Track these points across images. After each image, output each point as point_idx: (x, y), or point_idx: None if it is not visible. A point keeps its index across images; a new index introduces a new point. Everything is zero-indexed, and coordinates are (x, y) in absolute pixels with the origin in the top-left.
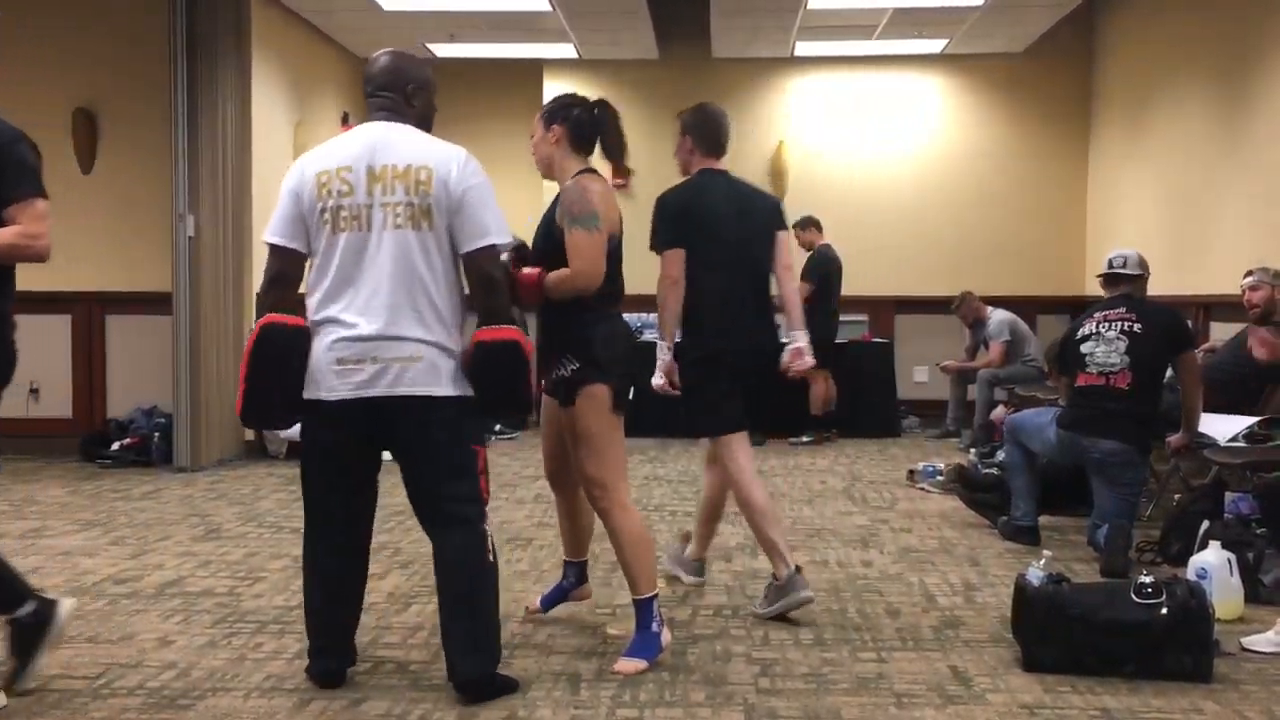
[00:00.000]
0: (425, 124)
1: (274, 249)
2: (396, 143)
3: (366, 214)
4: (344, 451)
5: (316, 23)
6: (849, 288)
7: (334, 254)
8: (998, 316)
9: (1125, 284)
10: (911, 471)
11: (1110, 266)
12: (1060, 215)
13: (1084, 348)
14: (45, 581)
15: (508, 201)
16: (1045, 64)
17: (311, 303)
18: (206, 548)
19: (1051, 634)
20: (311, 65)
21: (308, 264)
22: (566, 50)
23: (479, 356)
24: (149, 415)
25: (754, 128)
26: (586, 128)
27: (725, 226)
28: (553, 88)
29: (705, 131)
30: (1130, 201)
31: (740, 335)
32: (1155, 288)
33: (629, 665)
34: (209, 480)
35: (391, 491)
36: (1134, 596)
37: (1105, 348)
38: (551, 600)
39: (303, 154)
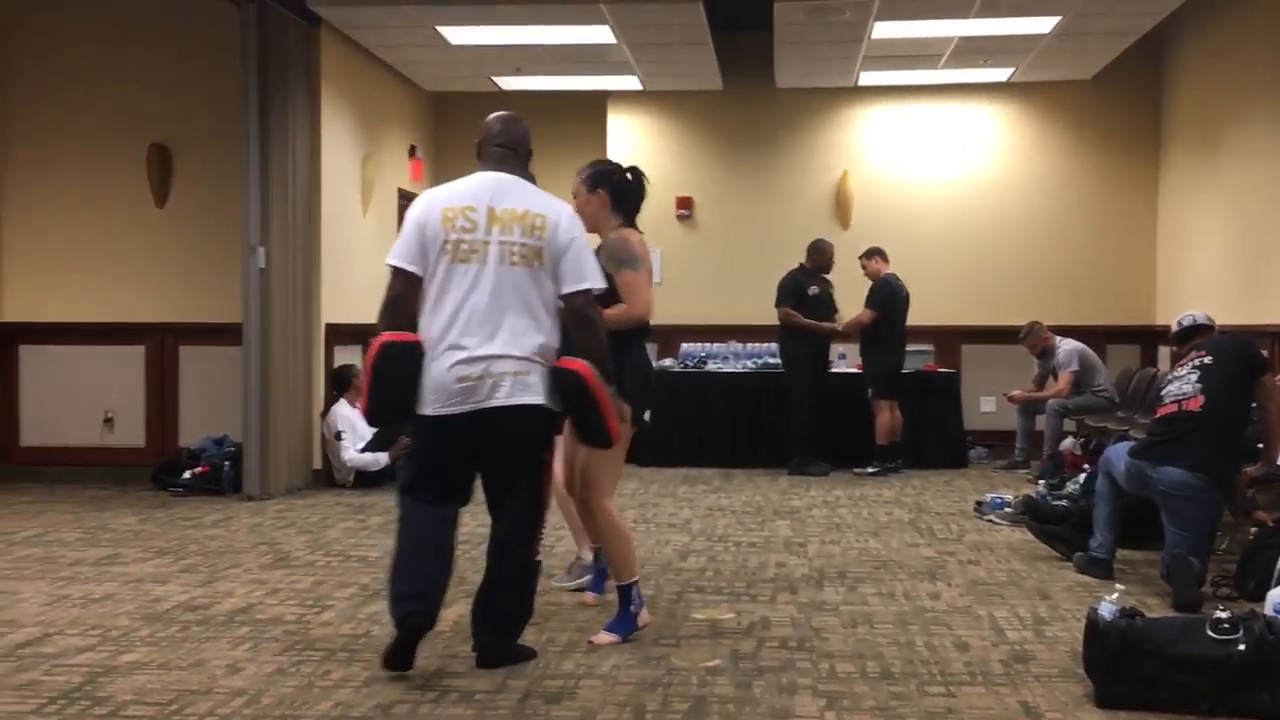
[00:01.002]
0: (529, 173)
1: (397, 271)
2: (515, 190)
3: (484, 249)
4: (452, 459)
5: (385, 58)
6: (914, 317)
7: (452, 282)
8: (1066, 346)
9: (1197, 336)
10: (979, 503)
11: (1179, 325)
12: (1130, 244)
13: (1163, 391)
14: (117, 608)
15: None
16: (1114, 91)
17: (430, 323)
18: (275, 575)
19: (1125, 669)
20: (380, 100)
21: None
22: (630, 82)
23: (555, 381)
24: (219, 444)
25: (818, 157)
26: (626, 192)
27: None
28: (617, 120)
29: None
30: (1201, 229)
31: None
32: (1227, 318)
33: (604, 638)
34: (278, 509)
35: (462, 524)
36: (1210, 632)
37: (1179, 383)
38: (600, 583)
39: (431, 189)
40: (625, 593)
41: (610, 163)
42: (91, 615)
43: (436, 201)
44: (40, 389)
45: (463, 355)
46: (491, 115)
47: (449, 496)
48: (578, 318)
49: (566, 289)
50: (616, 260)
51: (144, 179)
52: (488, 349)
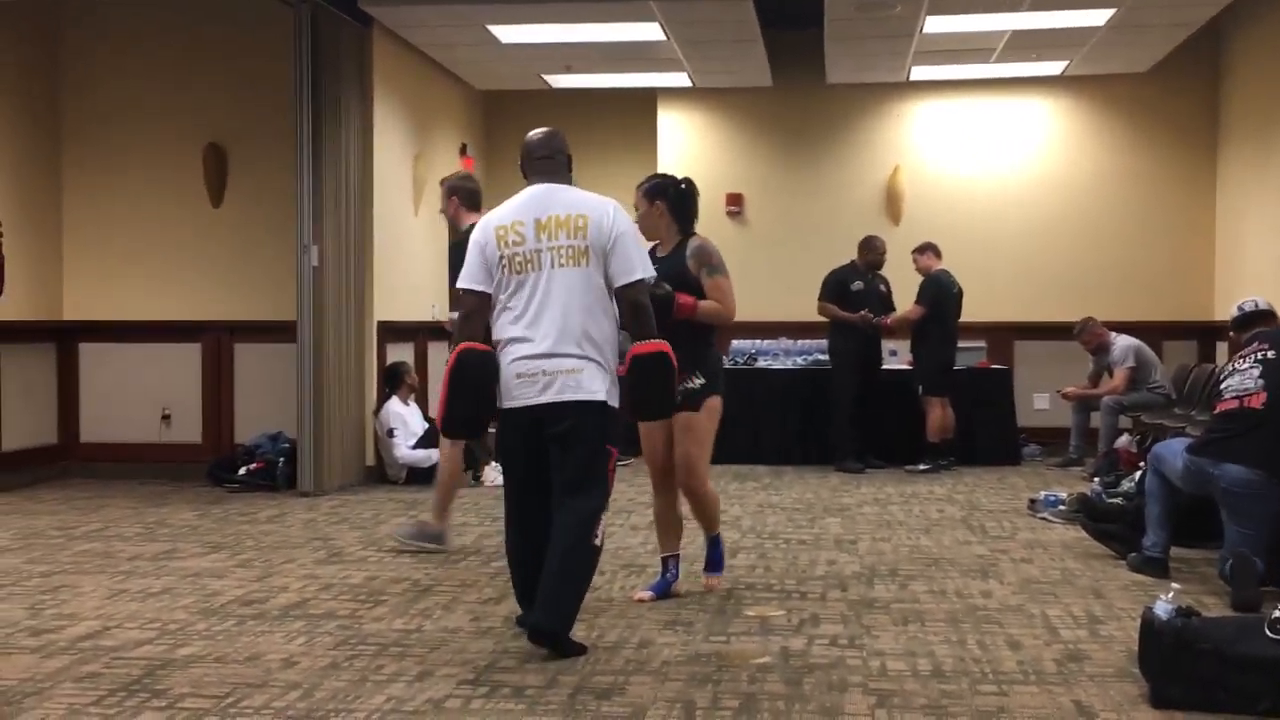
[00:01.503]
0: (569, 177)
1: (466, 293)
2: (558, 196)
3: (537, 257)
4: (524, 448)
5: (437, 57)
6: (967, 314)
7: (513, 291)
8: (1122, 342)
9: (1258, 323)
10: (1032, 500)
11: (1240, 310)
12: (1187, 239)
13: (1222, 385)
14: (175, 602)
15: None
16: (1170, 84)
17: (499, 330)
18: (329, 570)
19: (1180, 669)
20: (431, 99)
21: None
22: (680, 79)
23: (636, 366)
24: (274, 441)
25: (869, 153)
26: (683, 201)
27: None
28: (667, 117)
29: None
30: (1260, 225)
31: None
32: None
33: (713, 580)
34: (331, 504)
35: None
36: (1269, 632)
37: (1240, 377)
38: (662, 590)
39: (488, 214)
40: (717, 540)
41: (667, 176)
42: (149, 609)
43: (490, 223)
44: (100, 386)
45: (522, 353)
46: (529, 134)
47: (527, 484)
48: (633, 307)
49: (619, 282)
50: (709, 266)
51: (200, 179)
52: (543, 347)
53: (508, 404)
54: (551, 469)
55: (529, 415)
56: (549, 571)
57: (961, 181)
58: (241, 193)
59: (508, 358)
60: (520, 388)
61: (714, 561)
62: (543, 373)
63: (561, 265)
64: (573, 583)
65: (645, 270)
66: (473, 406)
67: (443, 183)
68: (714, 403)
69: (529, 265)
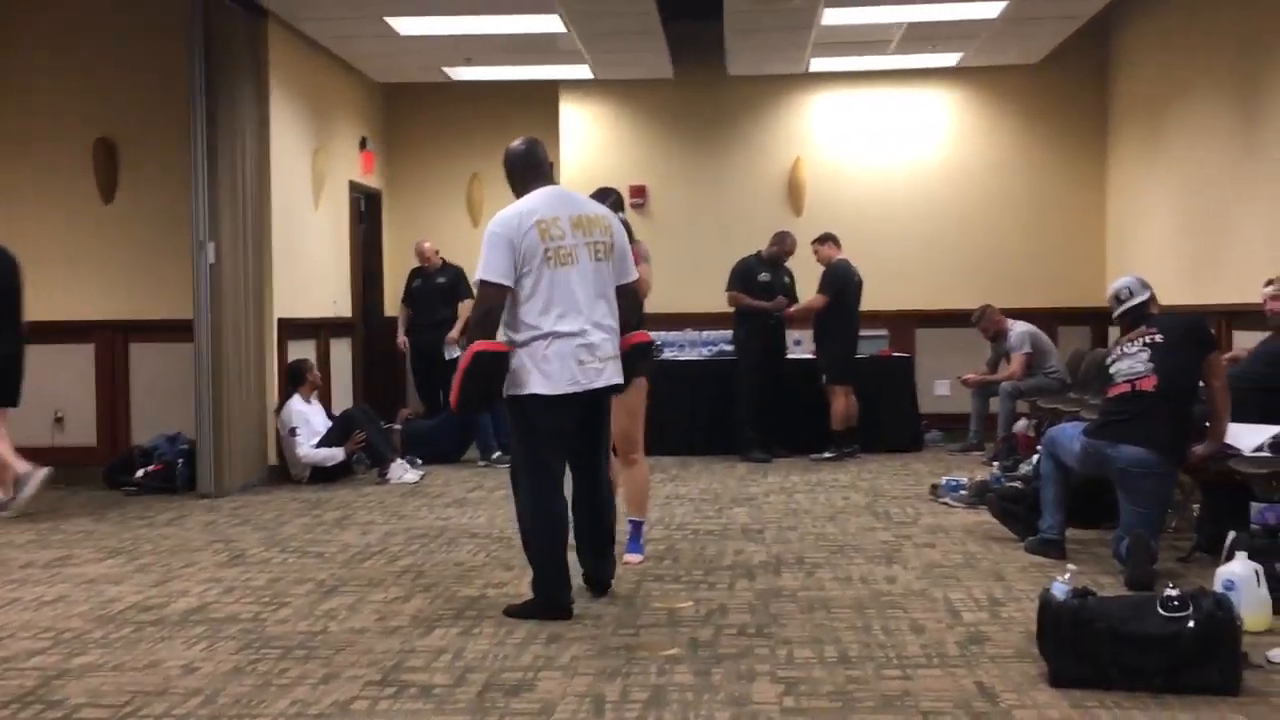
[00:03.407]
0: None
1: (495, 287)
2: (577, 198)
3: (575, 251)
4: (569, 429)
5: (334, 49)
6: (869, 303)
7: (558, 283)
8: (1019, 329)
9: (1135, 314)
10: (934, 486)
11: (1119, 301)
12: (1079, 226)
13: (1112, 369)
14: (70, 610)
15: None
16: (1061, 75)
17: (543, 320)
18: (231, 573)
19: (1077, 648)
20: (329, 91)
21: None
22: (582, 71)
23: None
24: (172, 442)
25: (770, 144)
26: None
27: None
28: (569, 109)
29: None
30: (1149, 211)
31: None
32: (1176, 298)
33: (634, 558)
34: (232, 506)
35: (415, 514)
36: (1160, 610)
37: (1130, 361)
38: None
39: (503, 211)
40: (640, 526)
41: (608, 189)
42: (44, 618)
43: (525, 217)
44: None
45: (582, 341)
46: (515, 143)
47: (563, 466)
48: (632, 300)
49: (625, 280)
50: (646, 258)
51: (90, 174)
52: (597, 336)
53: (567, 389)
54: (580, 437)
55: (589, 398)
56: (604, 529)
57: (862, 172)
58: (133, 188)
59: (569, 344)
60: (583, 374)
61: (635, 544)
62: (599, 358)
63: (598, 259)
64: (614, 535)
65: (635, 271)
66: (485, 392)
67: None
68: (643, 381)
69: (570, 258)
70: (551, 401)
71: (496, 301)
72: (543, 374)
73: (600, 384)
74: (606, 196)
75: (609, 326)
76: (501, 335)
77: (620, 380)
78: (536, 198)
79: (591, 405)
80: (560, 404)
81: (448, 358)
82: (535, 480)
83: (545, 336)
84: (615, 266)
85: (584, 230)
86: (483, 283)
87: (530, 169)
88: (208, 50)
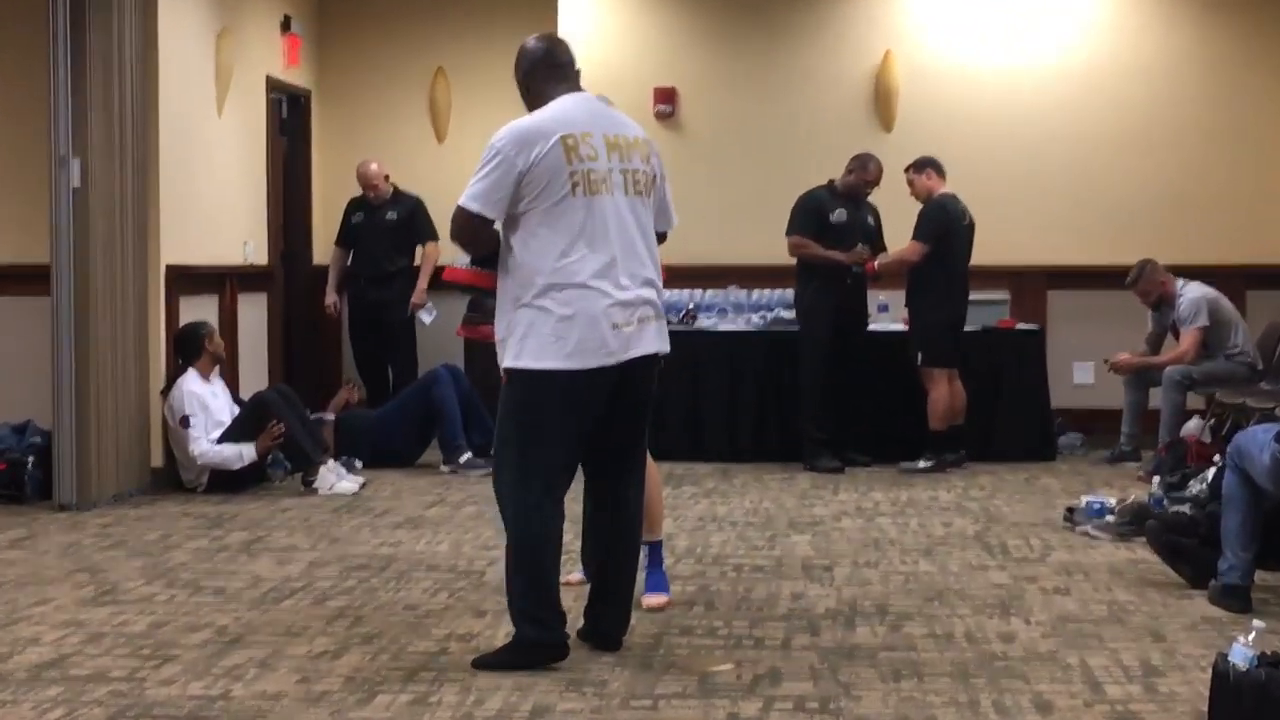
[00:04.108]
0: None
1: (474, 218)
2: (615, 114)
3: (609, 178)
4: (588, 420)
5: None
6: (982, 255)
7: (589, 217)
8: (1191, 294)
9: None
10: (1070, 510)
11: None
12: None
13: None
14: None
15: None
16: None
17: (560, 265)
18: (99, 615)
19: None
20: None
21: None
22: None
23: None
24: (20, 434)
25: (850, 35)
26: None
27: None
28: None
29: None
30: None
31: None
32: None
33: (657, 600)
34: (102, 522)
35: (352, 538)
36: None
37: None
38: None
39: (516, 121)
40: (659, 550)
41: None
42: None
43: (547, 127)
44: None
45: (616, 300)
46: (530, 41)
47: (571, 469)
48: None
49: (663, 227)
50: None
51: None
52: (634, 290)
53: (594, 362)
54: (606, 437)
55: (619, 374)
56: (625, 563)
57: (976, 74)
58: None
59: (597, 303)
60: (616, 340)
61: (656, 576)
62: (638, 320)
63: (637, 192)
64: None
65: (674, 222)
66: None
67: None
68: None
69: (603, 186)
70: (572, 380)
71: (470, 235)
72: (559, 341)
73: (637, 352)
74: None
75: (648, 279)
76: (502, 295)
77: (665, 348)
78: (563, 104)
79: (623, 385)
80: (583, 384)
81: (420, 325)
82: (529, 484)
83: (566, 288)
84: (655, 206)
85: (621, 154)
86: (459, 208)
87: (552, 74)
88: None
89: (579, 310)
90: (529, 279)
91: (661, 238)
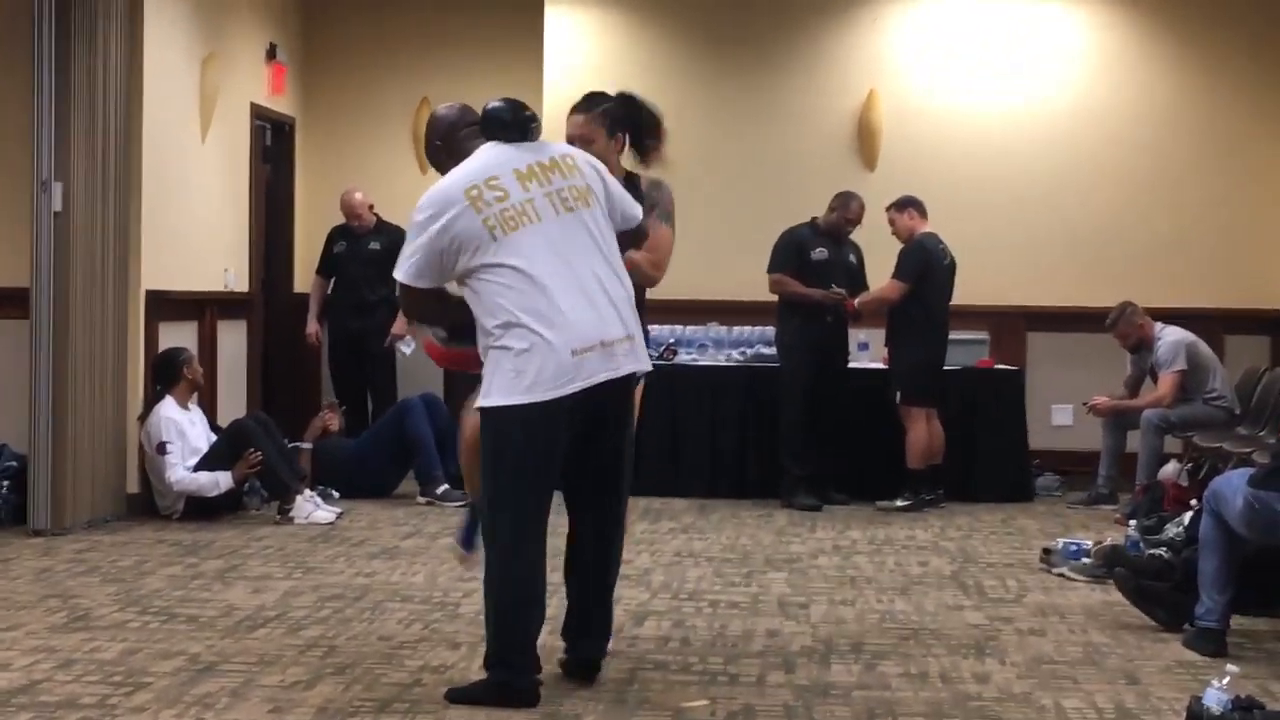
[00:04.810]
0: None
1: (410, 291)
2: (526, 147)
3: (528, 207)
4: (558, 450)
5: None
6: (962, 295)
7: (517, 254)
8: (1170, 338)
9: None
10: (1047, 551)
11: None
12: (1260, 199)
13: None
14: None
15: None
16: None
17: (509, 304)
18: (70, 641)
19: None
20: None
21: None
22: None
23: None
24: None
25: (835, 70)
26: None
27: None
28: (556, 16)
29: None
30: None
31: None
32: None
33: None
34: (76, 548)
35: (328, 568)
36: None
37: None
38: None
39: (430, 189)
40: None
41: (624, 97)
42: None
43: (453, 194)
44: None
45: (576, 322)
46: (441, 108)
47: (547, 502)
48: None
49: (622, 227)
50: (666, 213)
51: None
52: (591, 310)
53: (551, 393)
54: (582, 465)
55: (589, 400)
56: (599, 596)
57: (960, 114)
58: None
59: (550, 332)
60: (577, 367)
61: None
62: (600, 344)
63: (569, 209)
64: (611, 601)
65: (640, 212)
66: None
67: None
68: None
69: (523, 218)
70: (529, 413)
71: (418, 308)
72: (518, 375)
73: (603, 376)
74: (596, 103)
75: (611, 292)
76: (480, 348)
77: (640, 367)
78: (470, 161)
79: (593, 410)
80: (544, 415)
81: (400, 356)
82: (500, 523)
83: (517, 326)
84: (610, 211)
85: (540, 180)
86: (398, 283)
87: (471, 133)
88: None
89: (534, 343)
90: (488, 325)
91: (641, 235)
